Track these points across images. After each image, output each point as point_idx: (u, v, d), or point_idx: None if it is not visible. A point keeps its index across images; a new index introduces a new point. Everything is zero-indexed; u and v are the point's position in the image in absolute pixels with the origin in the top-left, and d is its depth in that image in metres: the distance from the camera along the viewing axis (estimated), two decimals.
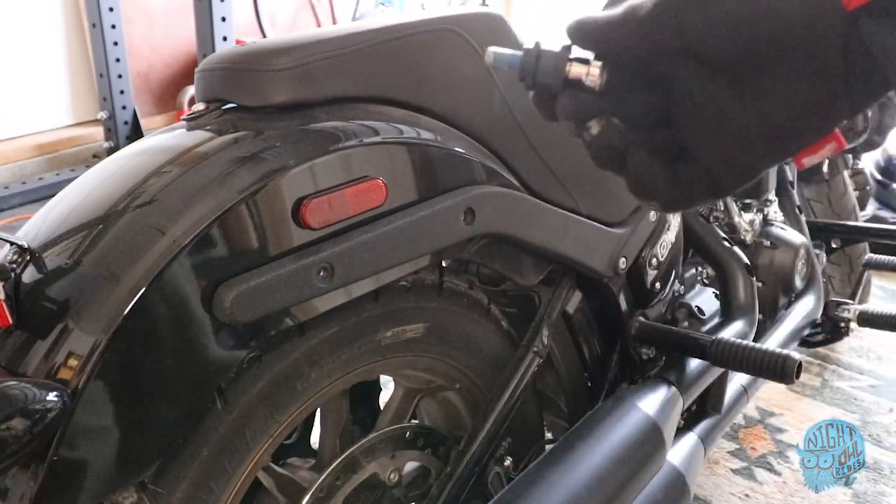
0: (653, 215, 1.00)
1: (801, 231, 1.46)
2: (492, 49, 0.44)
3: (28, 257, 0.59)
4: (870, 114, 1.30)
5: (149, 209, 0.59)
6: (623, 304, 1.03)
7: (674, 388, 0.97)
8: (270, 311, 0.62)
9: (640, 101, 0.40)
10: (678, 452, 1.01)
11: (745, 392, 1.18)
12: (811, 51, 0.34)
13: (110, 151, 3.09)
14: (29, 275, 0.58)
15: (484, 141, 0.84)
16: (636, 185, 0.41)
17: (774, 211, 1.42)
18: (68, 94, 3.28)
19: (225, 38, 2.76)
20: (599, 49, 0.40)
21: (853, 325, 1.57)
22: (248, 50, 0.70)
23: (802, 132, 0.37)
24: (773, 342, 1.30)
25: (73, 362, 0.54)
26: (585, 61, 0.40)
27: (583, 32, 0.40)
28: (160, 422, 0.59)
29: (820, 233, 1.63)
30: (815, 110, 0.36)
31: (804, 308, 1.42)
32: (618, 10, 0.39)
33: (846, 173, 1.76)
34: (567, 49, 0.41)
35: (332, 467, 0.75)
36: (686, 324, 1.13)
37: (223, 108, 0.71)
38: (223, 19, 2.73)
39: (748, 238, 1.33)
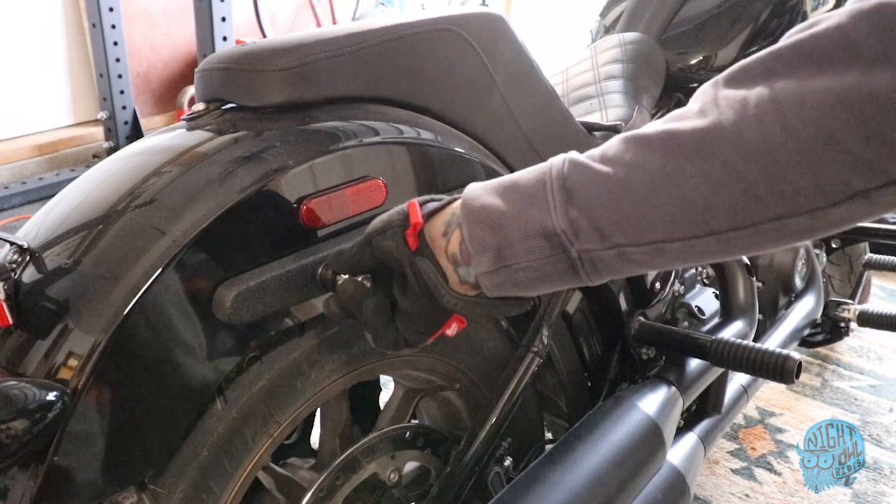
0: None
1: None
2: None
3: (28, 257, 0.59)
4: None
5: (149, 209, 0.59)
6: (623, 304, 1.03)
7: (674, 388, 0.97)
8: (270, 311, 0.62)
9: (377, 289, 0.61)
10: (678, 452, 1.01)
11: (745, 392, 1.18)
12: (400, 270, 0.59)
13: (110, 151, 3.09)
14: (29, 275, 0.58)
15: (484, 141, 0.84)
16: (364, 325, 0.61)
17: None
18: (68, 94, 3.28)
19: (225, 38, 2.76)
20: (341, 268, 0.62)
21: (853, 325, 1.57)
22: (247, 50, 0.70)
23: (426, 320, 0.59)
24: (773, 342, 1.30)
25: (73, 362, 0.54)
26: (340, 274, 0.62)
27: (334, 259, 0.62)
28: (160, 422, 0.59)
29: None
30: (420, 307, 0.58)
31: (804, 308, 1.42)
32: (352, 244, 0.61)
33: None
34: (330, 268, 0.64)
35: (332, 467, 0.75)
36: (686, 324, 1.13)
37: (223, 108, 0.71)
38: (223, 19, 2.73)
39: None
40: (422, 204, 0.59)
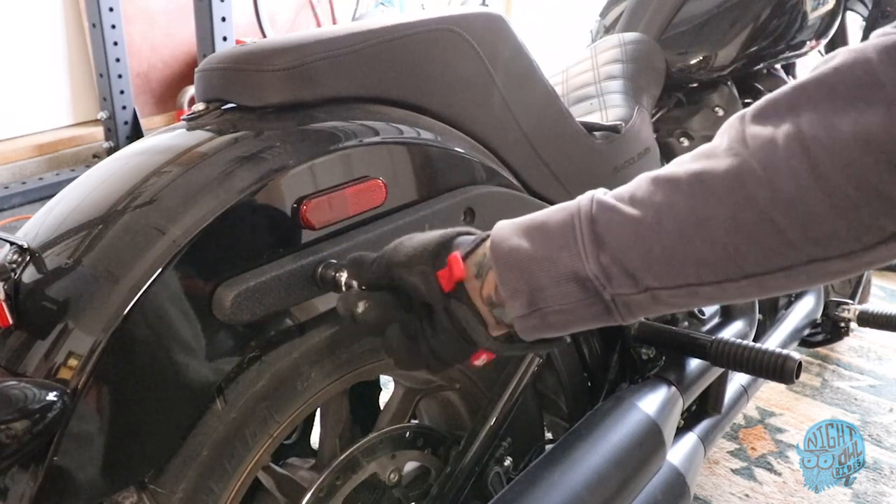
0: None
1: None
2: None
3: (28, 257, 0.59)
4: None
5: (149, 209, 0.59)
6: None
7: (674, 388, 0.97)
8: (270, 311, 0.62)
9: (400, 303, 0.60)
10: (678, 452, 1.01)
11: (745, 392, 1.18)
12: (433, 309, 0.57)
13: (110, 151, 3.09)
14: (29, 275, 0.58)
15: (484, 141, 0.84)
16: (385, 351, 0.61)
17: None
18: (68, 94, 3.28)
19: (225, 38, 2.76)
20: (360, 282, 0.61)
21: (853, 325, 1.57)
22: (247, 50, 0.70)
23: (455, 355, 0.58)
24: (773, 342, 1.30)
25: (73, 362, 0.54)
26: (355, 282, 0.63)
27: (353, 267, 0.62)
28: (160, 422, 0.59)
29: None
30: (452, 345, 0.58)
31: (804, 308, 1.42)
32: (375, 255, 0.60)
33: None
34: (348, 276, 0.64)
35: (332, 467, 0.75)
36: (686, 324, 1.13)
37: (223, 108, 0.71)
38: (223, 19, 2.73)
39: None
40: (458, 249, 0.56)
